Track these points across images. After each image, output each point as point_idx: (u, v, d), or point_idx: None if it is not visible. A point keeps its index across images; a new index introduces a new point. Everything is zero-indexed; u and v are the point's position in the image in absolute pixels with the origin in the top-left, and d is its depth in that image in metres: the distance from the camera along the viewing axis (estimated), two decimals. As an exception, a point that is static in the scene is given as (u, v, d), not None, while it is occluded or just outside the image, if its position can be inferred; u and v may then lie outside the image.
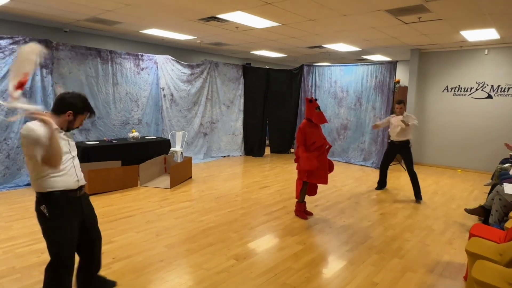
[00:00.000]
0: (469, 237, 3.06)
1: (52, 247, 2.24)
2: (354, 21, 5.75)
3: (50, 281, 2.25)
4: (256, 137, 9.48)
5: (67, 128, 2.32)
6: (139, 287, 2.79)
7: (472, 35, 6.49)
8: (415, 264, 3.35)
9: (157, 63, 7.59)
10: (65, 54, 6.12)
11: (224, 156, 9.03)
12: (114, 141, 6.36)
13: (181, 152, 7.57)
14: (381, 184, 6.20)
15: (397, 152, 5.82)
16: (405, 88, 9.29)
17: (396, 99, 5.95)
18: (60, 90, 6.07)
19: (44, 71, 5.83)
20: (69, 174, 2.26)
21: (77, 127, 2.39)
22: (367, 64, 8.54)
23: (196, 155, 8.42)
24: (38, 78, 5.75)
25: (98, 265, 2.59)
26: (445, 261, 3.42)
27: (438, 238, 4.03)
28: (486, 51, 7.67)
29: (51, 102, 5.88)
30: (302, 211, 4.62)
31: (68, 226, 2.26)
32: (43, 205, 2.19)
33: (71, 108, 2.27)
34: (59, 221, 2.22)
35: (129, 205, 4.89)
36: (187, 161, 6.60)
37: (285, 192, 5.86)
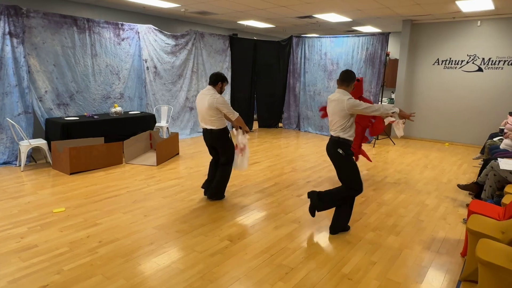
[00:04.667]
0: (468, 214, 3.02)
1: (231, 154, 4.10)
2: (348, -12, 5.45)
3: None
4: (244, 111, 9.23)
5: (220, 91, 3.90)
6: (128, 273, 2.64)
7: (467, 5, 6.29)
8: (411, 241, 3.31)
9: (138, 33, 7.13)
10: (37, 22, 5.62)
11: (211, 131, 8.78)
12: (95, 117, 6.02)
13: (167, 128, 7.30)
14: None
15: None
16: (396, 60, 9.13)
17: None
18: (34, 62, 5.64)
19: (15, 40, 5.35)
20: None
21: (224, 91, 3.99)
22: (358, 36, 8.29)
23: (183, 130, 8.15)
24: (8, 48, 5.28)
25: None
26: (440, 238, 3.39)
27: (432, 213, 4.01)
28: (479, 22, 7.51)
29: (25, 75, 5.46)
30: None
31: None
32: (228, 134, 4.03)
33: (218, 80, 3.87)
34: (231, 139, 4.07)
35: (114, 184, 4.67)
36: (174, 137, 6.35)
37: (276, 168, 5.73)
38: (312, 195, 3.43)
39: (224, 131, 3.98)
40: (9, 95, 5.38)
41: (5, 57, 5.29)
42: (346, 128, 3.17)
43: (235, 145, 4.03)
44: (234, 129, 4.08)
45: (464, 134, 8.00)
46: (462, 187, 4.54)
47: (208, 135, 4.01)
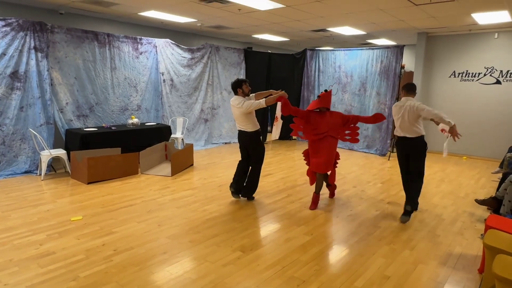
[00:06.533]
0: (485, 229, 2.95)
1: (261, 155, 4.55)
2: (362, 2, 5.51)
3: None
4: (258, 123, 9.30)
5: (245, 94, 4.34)
6: (141, 281, 2.68)
7: (484, 17, 6.25)
8: (427, 256, 3.24)
9: (156, 47, 7.35)
10: (60, 37, 5.88)
11: (226, 143, 8.87)
12: (113, 128, 6.18)
13: (182, 139, 7.42)
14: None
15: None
16: (411, 73, 9.08)
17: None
18: (56, 75, 5.87)
19: (39, 55, 5.60)
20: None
21: (248, 91, 4.37)
22: (372, 48, 8.30)
23: (197, 141, 8.27)
24: (33, 62, 5.54)
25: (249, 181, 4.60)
26: (457, 253, 3.31)
27: (449, 228, 3.92)
28: (496, 34, 7.42)
29: (47, 88, 5.68)
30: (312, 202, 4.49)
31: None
32: (260, 137, 4.51)
33: (236, 87, 4.32)
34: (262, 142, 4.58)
35: (130, 194, 4.76)
36: (188, 148, 6.45)
37: (289, 180, 5.73)
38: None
39: (256, 134, 4.41)
40: (32, 106, 5.61)
41: (29, 71, 5.53)
42: (421, 125, 4.02)
43: (275, 117, 4.61)
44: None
45: (482, 148, 7.83)
46: (480, 202, 4.43)
47: (242, 135, 4.45)
